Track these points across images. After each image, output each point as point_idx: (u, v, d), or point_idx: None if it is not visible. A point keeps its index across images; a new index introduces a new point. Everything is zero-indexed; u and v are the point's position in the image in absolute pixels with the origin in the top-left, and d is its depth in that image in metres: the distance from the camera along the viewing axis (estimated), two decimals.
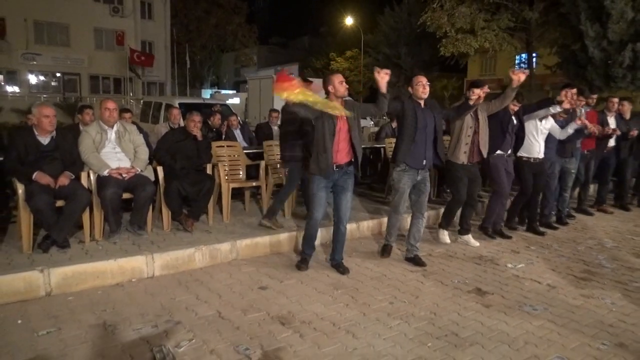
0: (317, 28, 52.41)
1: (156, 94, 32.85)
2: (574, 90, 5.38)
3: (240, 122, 8.02)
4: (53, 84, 29.38)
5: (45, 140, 4.37)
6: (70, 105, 24.61)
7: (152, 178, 4.85)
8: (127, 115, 6.05)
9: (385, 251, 4.81)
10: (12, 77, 27.93)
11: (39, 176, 4.15)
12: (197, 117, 5.28)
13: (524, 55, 24.21)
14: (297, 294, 3.85)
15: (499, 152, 5.25)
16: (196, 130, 5.10)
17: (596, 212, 6.90)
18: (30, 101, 25.41)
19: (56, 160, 4.35)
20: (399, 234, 4.93)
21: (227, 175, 5.54)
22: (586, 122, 5.78)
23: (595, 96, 6.74)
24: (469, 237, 5.27)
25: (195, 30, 36.66)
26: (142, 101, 16.12)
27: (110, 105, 4.66)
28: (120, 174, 4.58)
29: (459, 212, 5.33)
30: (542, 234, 5.67)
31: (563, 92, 5.27)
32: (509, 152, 5.35)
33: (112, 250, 4.29)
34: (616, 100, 6.71)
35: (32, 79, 28.55)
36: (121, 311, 3.48)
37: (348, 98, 4.20)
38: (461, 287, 4.04)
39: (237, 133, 7.61)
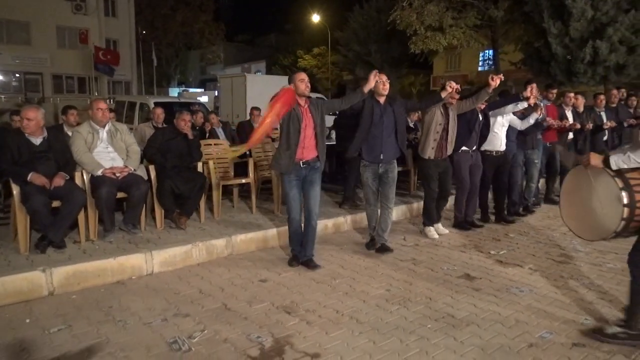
0: (283, 25, 52.36)
1: (122, 93, 32.18)
2: (533, 89, 5.48)
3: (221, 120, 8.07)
4: (14, 83, 28.46)
5: (37, 141, 4.37)
6: (29, 105, 23.83)
7: (145, 177, 4.89)
8: (111, 115, 6.04)
9: (370, 245, 4.96)
10: None
11: (34, 177, 4.15)
12: (187, 116, 5.36)
13: (488, 52, 24.99)
14: (297, 285, 4.00)
15: (463, 148, 5.42)
16: (187, 129, 5.17)
17: None
18: None
19: (50, 161, 4.36)
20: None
21: (217, 172, 5.62)
22: (544, 112, 6.08)
23: (554, 91, 7.09)
24: (439, 226, 5.52)
25: (161, 27, 36.10)
26: (114, 100, 15.84)
27: (102, 105, 4.69)
28: (114, 173, 4.62)
29: None
30: (511, 222, 5.95)
31: (529, 88, 5.40)
32: (474, 147, 5.52)
33: (109, 249, 4.34)
34: (572, 94, 7.01)
35: None
36: (128, 307, 3.55)
37: (316, 95, 4.39)
38: (451, 274, 4.28)
39: (220, 131, 7.66)
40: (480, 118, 5.47)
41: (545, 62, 14.22)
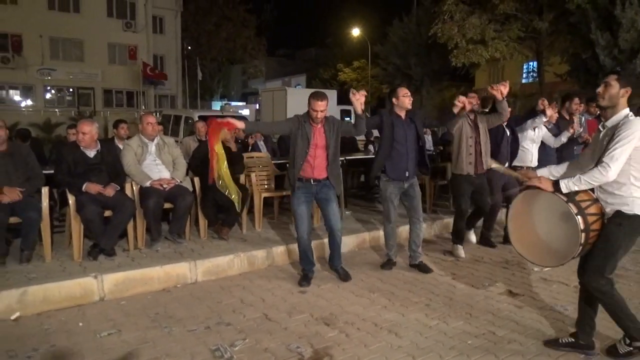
0: (323, 39, 52.95)
1: (168, 106, 33.33)
2: (544, 102, 5.26)
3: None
4: (67, 98, 29.91)
5: (91, 153, 4.62)
6: (84, 118, 24.97)
7: (190, 189, 5.07)
8: (159, 128, 6.29)
9: (385, 266, 4.79)
10: (28, 92, 28.48)
11: (88, 187, 4.39)
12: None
13: (532, 64, 24.46)
14: (336, 297, 4.04)
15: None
16: (231, 142, 5.33)
17: None
18: (46, 115, 26.01)
19: (102, 173, 4.59)
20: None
21: (258, 185, 5.75)
22: (576, 128, 5.80)
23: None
24: (467, 235, 5.40)
25: (205, 43, 37.17)
26: (161, 114, 16.47)
27: (152, 119, 4.92)
28: (161, 185, 4.81)
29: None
30: None
31: (540, 101, 5.20)
32: (506, 164, 5.22)
33: (156, 257, 4.51)
34: None
35: (47, 93, 29.07)
36: (173, 314, 3.69)
37: (330, 115, 4.22)
38: (492, 290, 4.22)
39: (261, 144, 7.85)
40: (508, 133, 5.32)
41: (593, 74, 13.79)
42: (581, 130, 5.98)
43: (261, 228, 5.63)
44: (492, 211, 5.42)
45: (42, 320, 3.56)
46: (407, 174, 4.51)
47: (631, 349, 2.91)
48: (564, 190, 2.81)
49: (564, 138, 5.68)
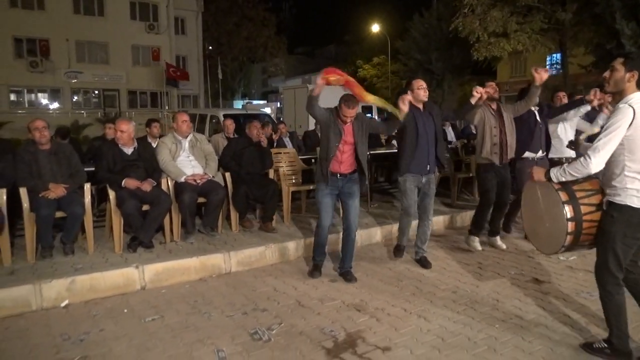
0: (342, 36, 53.04)
1: (190, 106, 33.86)
2: (597, 93, 5.11)
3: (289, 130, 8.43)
4: (94, 100, 30.64)
5: (129, 150, 4.85)
6: (110, 119, 25.53)
7: (222, 184, 5.26)
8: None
9: (398, 251, 4.88)
10: (55, 94, 29.28)
11: (128, 182, 4.62)
12: (258, 125, 5.73)
13: (555, 56, 24.10)
14: (365, 285, 4.18)
15: (526, 154, 5.17)
16: (262, 137, 5.51)
17: None
18: (73, 117, 26.66)
19: (140, 169, 4.82)
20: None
21: (286, 179, 5.93)
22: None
23: None
24: (497, 239, 5.25)
25: (226, 43, 37.62)
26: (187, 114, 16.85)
27: (186, 117, 5.13)
28: (195, 180, 5.01)
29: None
30: None
31: (592, 92, 5.11)
32: (539, 154, 5.22)
33: (192, 249, 4.72)
34: None
35: (74, 96, 29.84)
36: (211, 301, 3.88)
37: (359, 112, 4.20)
38: (518, 278, 4.31)
39: (287, 140, 8.02)
40: (539, 120, 5.21)
41: None
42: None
43: (289, 221, 5.80)
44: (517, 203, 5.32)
45: (90, 307, 3.79)
46: (428, 168, 4.51)
47: (605, 346, 2.90)
48: (554, 179, 2.85)
49: (600, 121, 5.30)
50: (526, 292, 3.97)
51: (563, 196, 2.83)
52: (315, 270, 4.41)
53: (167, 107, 31.15)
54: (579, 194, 2.84)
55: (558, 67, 22.36)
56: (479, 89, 4.59)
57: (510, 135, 4.90)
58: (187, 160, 5.14)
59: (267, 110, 30.48)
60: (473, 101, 4.58)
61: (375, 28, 36.98)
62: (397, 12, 40.38)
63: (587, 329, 3.27)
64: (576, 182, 2.84)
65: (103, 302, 3.88)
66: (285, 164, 6.25)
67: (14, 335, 3.32)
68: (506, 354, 2.95)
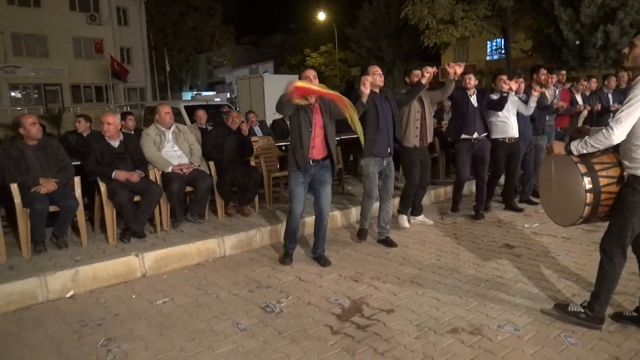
0: (288, 25, 52.97)
1: (137, 99, 32.99)
2: (503, 77, 5.48)
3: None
4: (34, 95, 29.24)
5: (115, 143, 4.91)
6: (54, 116, 24.52)
7: (208, 172, 5.41)
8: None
9: (361, 235, 5.03)
10: None
11: (117, 174, 4.70)
12: (235, 114, 5.90)
13: (496, 42, 25.28)
14: (356, 259, 4.50)
15: (463, 136, 5.46)
16: (243, 126, 5.68)
17: None
18: (13, 114, 25.33)
19: (128, 161, 4.90)
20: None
21: (267, 166, 6.13)
22: (542, 91, 5.89)
23: (563, 72, 7.15)
24: (423, 217, 5.59)
25: (171, 34, 36.77)
26: (144, 107, 16.52)
27: (168, 109, 5.24)
28: (182, 170, 5.14)
29: None
30: (520, 210, 5.92)
31: (504, 84, 5.35)
32: (475, 135, 5.45)
33: (184, 236, 4.86)
34: (584, 82, 7.19)
35: (13, 92, 28.35)
36: (215, 283, 4.08)
37: None
38: (492, 244, 4.76)
39: (257, 129, 8.19)
40: (475, 103, 5.47)
41: (557, 49, 14.59)
42: (555, 100, 6.37)
43: (271, 205, 6.02)
44: (478, 183, 5.76)
45: (97, 296, 3.90)
46: (389, 151, 4.68)
47: (582, 311, 3.00)
48: (574, 152, 2.91)
49: (532, 103, 5.72)
50: (501, 256, 4.41)
51: (582, 168, 2.87)
52: (286, 257, 4.48)
53: (113, 101, 30.20)
54: (597, 167, 2.87)
55: (501, 52, 23.52)
56: (429, 68, 4.85)
57: (429, 121, 5.20)
58: (173, 150, 5.25)
59: (218, 100, 30.25)
60: (424, 81, 4.78)
61: (322, 16, 37.19)
62: (344, 0, 40.76)
63: (559, 282, 3.73)
64: (594, 155, 2.90)
65: (108, 291, 4.00)
66: (262, 151, 6.44)
67: (31, 325, 3.40)
68: (495, 308, 3.35)
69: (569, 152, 2.94)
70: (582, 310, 3.03)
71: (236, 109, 21.09)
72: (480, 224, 5.53)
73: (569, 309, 3.09)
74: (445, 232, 5.27)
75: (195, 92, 40.04)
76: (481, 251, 4.58)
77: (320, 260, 4.42)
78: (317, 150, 4.17)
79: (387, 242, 4.87)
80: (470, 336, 2.97)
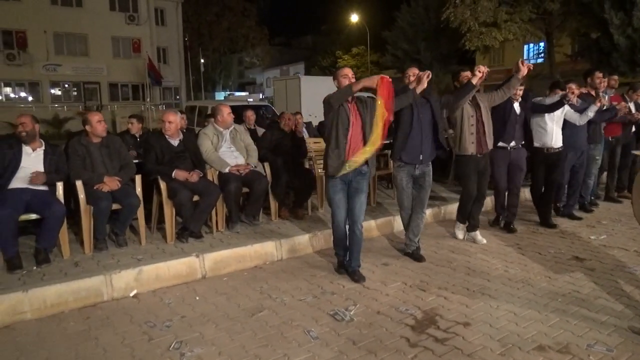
0: (319, 26, 53.07)
1: (172, 98, 33.49)
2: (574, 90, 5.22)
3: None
4: (74, 93, 29.98)
5: (175, 142, 4.90)
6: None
7: (264, 173, 5.36)
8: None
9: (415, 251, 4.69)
10: (34, 88, 28.52)
11: (177, 173, 4.69)
12: (288, 115, 5.84)
13: (533, 46, 24.71)
14: (419, 268, 4.37)
15: (500, 144, 5.10)
16: (299, 127, 5.62)
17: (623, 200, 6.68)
18: (53, 111, 26.10)
19: (187, 160, 4.88)
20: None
21: (318, 167, 6.05)
22: (604, 102, 5.58)
23: (616, 77, 6.73)
24: (476, 234, 5.12)
25: (207, 34, 37.26)
26: (186, 106, 16.75)
27: (229, 109, 5.20)
28: (238, 170, 5.10)
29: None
30: (554, 226, 5.50)
31: (569, 89, 5.18)
32: (512, 143, 5.15)
33: (242, 238, 4.81)
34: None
35: (54, 89, 29.12)
36: (277, 287, 4.00)
37: (367, 95, 4.01)
38: (560, 256, 4.56)
39: (304, 131, 8.11)
40: (517, 111, 5.13)
41: (605, 53, 14.12)
42: (605, 106, 5.86)
43: (323, 208, 5.94)
44: (511, 194, 5.39)
45: (160, 296, 3.87)
46: (421, 158, 4.35)
47: None
48: None
49: (590, 113, 5.44)
50: (573, 269, 4.21)
51: None
52: (341, 266, 4.29)
53: (149, 100, 30.71)
54: None
55: (539, 56, 23.00)
56: (482, 67, 4.48)
57: (487, 126, 4.78)
58: (229, 151, 5.22)
59: (250, 100, 30.47)
60: (475, 81, 4.39)
61: (355, 18, 37.05)
62: (377, 2, 40.56)
63: None
64: None
65: (171, 291, 3.97)
66: (314, 153, 6.36)
67: (99, 324, 3.39)
68: (580, 325, 3.17)
69: None
70: None
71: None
72: (542, 234, 5.32)
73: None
74: (507, 241, 5.08)
75: (228, 93, 40.45)
76: (550, 263, 4.38)
77: (355, 275, 4.09)
78: (354, 151, 3.85)
79: (414, 256, 4.58)
80: (560, 355, 2.82)
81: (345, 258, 4.25)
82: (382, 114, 3.74)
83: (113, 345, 3.10)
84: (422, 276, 4.15)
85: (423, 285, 3.96)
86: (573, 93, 5.15)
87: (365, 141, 3.85)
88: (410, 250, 4.66)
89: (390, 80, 3.74)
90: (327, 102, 3.86)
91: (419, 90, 4.09)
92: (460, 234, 5.23)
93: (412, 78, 4.28)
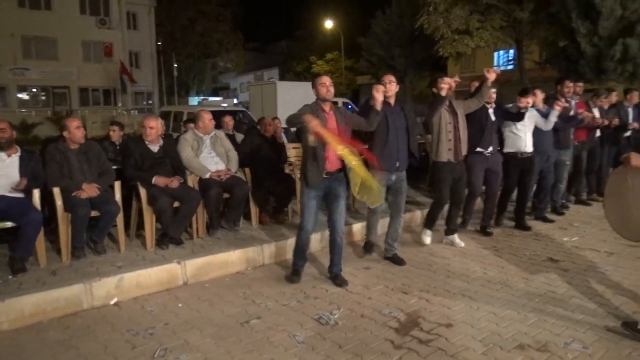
0: (293, 32, 53.24)
1: (144, 103, 33.05)
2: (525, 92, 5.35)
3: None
4: (42, 97, 29.29)
5: (155, 148, 4.86)
6: (61, 118, 24.45)
7: (244, 179, 5.35)
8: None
9: (367, 249, 4.89)
10: (1, 92, 27.76)
11: (157, 180, 4.64)
12: (269, 121, 5.86)
13: (502, 54, 25.34)
14: (400, 271, 4.43)
15: (477, 149, 5.19)
16: (278, 133, 5.64)
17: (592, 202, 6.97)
18: (21, 117, 25.40)
19: (167, 166, 4.85)
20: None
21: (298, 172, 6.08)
22: (565, 105, 5.69)
23: (581, 84, 6.99)
24: (454, 237, 5.20)
25: (180, 38, 36.91)
26: (160, 111, 16.52)
27: (210, 116, 5.19)
28: (219, 176, 5.08)
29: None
30: (528, 228, 5.63)
31: (521, 100, 5.29)
32: (490, 149, 5.25)
33: (223, 244, 4.78)
34: (603, 97, 6.94)
35: (21, 94, 28.37)
36: (260, 292, 4.00)
37: (342, 100, 4.10)
38: (535, 258, 4.69)
39: (283, 136, 8.14)
40: (493, 118, 5.26)
41: (572, 61, 14.58)
42: (572, 112, 6.14)
43: None
44: (488, 198, 5.57)
45: (141, 303, 3.83)
46: (397, 165, 4.43)
47: None
48: None
49: (552, 118, 5.60)
50: (548, 270, 4.35)
51: None
52: (294, 275, 4.23)
53: (120, 105, 30.23)
54: None
55: (508, 63, 23.59)
56: (447, 79, 4.57)
57: (463, 132, 4.84)
58: (210, 156, 5.20)
59: (225, 106, 30.28)
60: (443, 93, 4.50)
61: (329, 24, 37.33)
62: (351, 9, 41.03)
63: (615, 298, 3.66)
64: None
65: (152, 298, 3.92)
66: (294, 158, 6.39)
67: (80, 333, 3.33)
68: (557, 324, 3.28)
69: None
70: None
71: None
72: (517, 237, 5.47)
73: (639, 327, 3.04)
74: (484, 244, 5.20)
75: (201, 97, 40.05)
76: (526, 264, 4.51)
77: (337, 280, 4.12)
78: (330, 161, 3.89)
79: (394, 260, 4.65)
80: (539, 353, 2.91)
81: (302, 269, 4.25)
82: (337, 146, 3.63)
83: (95, 354, 3.05)
84: (403, 279, 4.22)
85: (405, 288, 4.02)
86: (528, 103, 5.28)
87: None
88: (390, 254, 4.72)
89: (316, 128, 3.58)
90: (289, 122, 3.87)
91: (378, 107, 3.98)
92: (427, 239, 5.22)
93: (387, 86, 4.34)
